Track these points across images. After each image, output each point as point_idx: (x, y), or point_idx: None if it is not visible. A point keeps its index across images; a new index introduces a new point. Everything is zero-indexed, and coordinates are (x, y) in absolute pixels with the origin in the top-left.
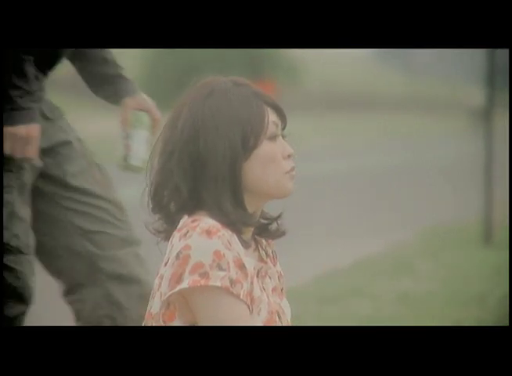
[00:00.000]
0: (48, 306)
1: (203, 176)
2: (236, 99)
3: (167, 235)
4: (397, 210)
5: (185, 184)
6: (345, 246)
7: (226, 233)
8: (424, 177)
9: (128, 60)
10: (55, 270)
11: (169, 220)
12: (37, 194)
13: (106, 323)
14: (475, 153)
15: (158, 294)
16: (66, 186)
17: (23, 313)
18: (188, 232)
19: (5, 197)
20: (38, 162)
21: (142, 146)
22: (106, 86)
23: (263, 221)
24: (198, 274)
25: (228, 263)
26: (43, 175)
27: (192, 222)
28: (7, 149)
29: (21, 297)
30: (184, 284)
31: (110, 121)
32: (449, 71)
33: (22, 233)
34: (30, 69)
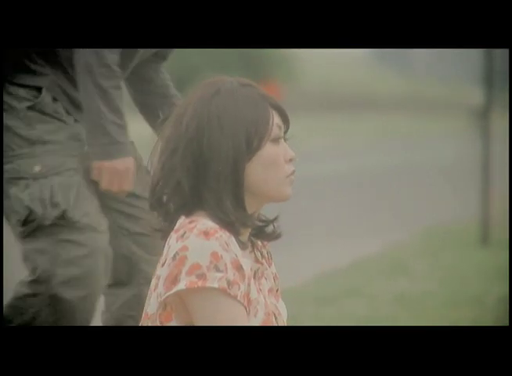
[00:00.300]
0: None
1: (206, 175)
2: (242, 99)
3: (164, 234)
4: (395, 210)
5: (186, 181)
6: (343, 246)
7: (224, 235)
8: (423, 177)
9: None
10: None
11: (168, 218)
12: None
13: (129, 323)
14: (474, 154)
15: (155, 295)
16: None
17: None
18: (185, 233)
19: (74, 178)
20: None
21: None
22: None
23: (259, 223)
24: (195, 275)
25: (225, 264)
26: None
27: (190, 223)
28: (105, 183)
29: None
30: (181, 285)
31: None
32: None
33: (92, 212)
34: (122, 104)
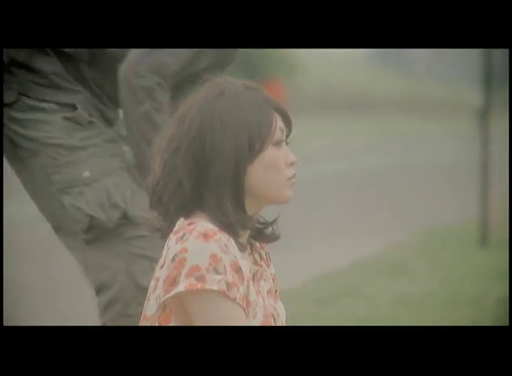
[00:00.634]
0: (49, 306)
1: (207, 175)
2: (246, 102)
3: (163, 234)
4: (394, 211)
5: (188, 181)
6: (342, 247)
7: (223, 237)
8: (422, 178)
9: None
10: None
11: (167, 218)
12: None
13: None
14: (474, 154)
15: (154, 297)
16: None
17: None
18: (184, 235)
19: (124, 176)
20: None
21: None
22: None
23: (259, 225)
24: (194, 278)
25: (224, 267)
26: None
27: (189, 225)
28: None
29: None
30: (180, 288)
31: None
32: (448, 72)
33: (146, 206)
34: None
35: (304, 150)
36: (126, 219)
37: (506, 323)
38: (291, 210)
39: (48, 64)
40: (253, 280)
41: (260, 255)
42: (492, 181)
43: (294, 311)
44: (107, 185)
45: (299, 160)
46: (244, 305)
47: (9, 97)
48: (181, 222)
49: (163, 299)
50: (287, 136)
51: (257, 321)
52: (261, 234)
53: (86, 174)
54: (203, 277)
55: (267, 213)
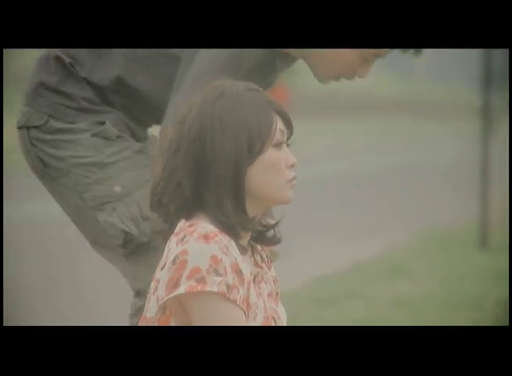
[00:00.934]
0: (49, 306)
1: (207, 176)
2: (247, 103)
3: (164, 236)
4: (394, 212)
5: (188, 182)
6: (342, 248)
7: (224, 239)
8: (422, 178)
9: None
10: None
11: (168, 219)
12: None
13: None
14: (473, 154)
15: (154, 298)
16: None
17: None
18: (185, 236)
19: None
20: None
21: None
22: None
23: (261, 228)
24: (195, 279)
25: (225, 268)
26: None
27: (190, 226)
28: None
29: None
30: (180, 289)
31: None
32: (448, 72)
33: None
34: None
35: (304, 150)
36: None
37: (506, 323)
38: (291, 211)
39: (78, 90)
40: (254, 282)
41: (261, 257)
42: (492, 181)
43: (294, 312)
44: (138, 198)
45: (299, 160)
46: (244, 307)
47: (38, 120)
48: (182, 224)
49: (163, 301)
50: (288, 138)
51: (257, 323)
52: (263, 237)
53: (117, 189)
54: (204, 279)
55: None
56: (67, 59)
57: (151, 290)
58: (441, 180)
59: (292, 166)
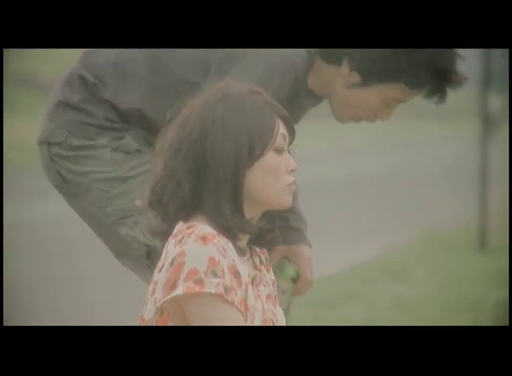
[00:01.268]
0: (49, 306)
1: (206, 177)
2: (249, 106)
3: (163, 237)
4: (393, 213)
5: (187, 183)
6: (342, 250)
7: (221, 240)
8: (421, 180)
9: None
10: None
11: (166, 218)
12: None
13: None
14: (473, 156)
15: (152, 300)
16: None
17: None
18: (183, 238)
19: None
20: None
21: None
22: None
23: (258, 230)
24: (192, 281)
25: (222, 270)
26: None
27: (188, 228)
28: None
29: None
30: (178, 291)
31: None
32: None
33: None
34: None
35: (304, 150)
36: None
37: (505, 324)
38: None
39: (100, 109)
40: (252, 284)
41: (260, 259)
42: (492, 183)
43: (293, 315)
44: None
45: (299, 160)
46: (242, 309)
47: (59, 136)
48: (180, 226)
49: (161, 302)
50: (290, 143)
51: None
52: (261, 239)
53: (138, 203)
54: (202, 280)
55: None
56: (92, 79)
57: (149, 292)
58: (441, 181)
59: (292, 171)
